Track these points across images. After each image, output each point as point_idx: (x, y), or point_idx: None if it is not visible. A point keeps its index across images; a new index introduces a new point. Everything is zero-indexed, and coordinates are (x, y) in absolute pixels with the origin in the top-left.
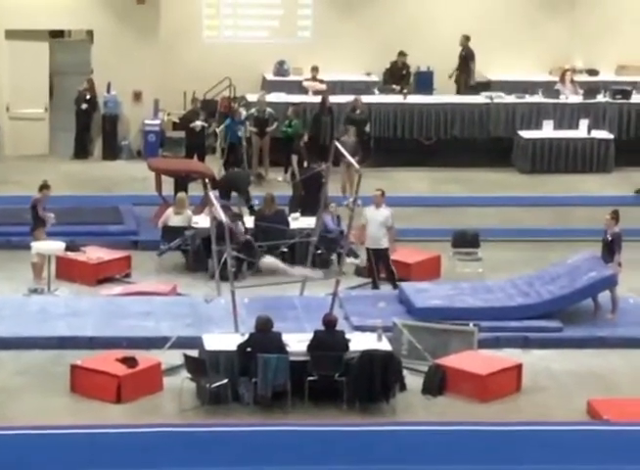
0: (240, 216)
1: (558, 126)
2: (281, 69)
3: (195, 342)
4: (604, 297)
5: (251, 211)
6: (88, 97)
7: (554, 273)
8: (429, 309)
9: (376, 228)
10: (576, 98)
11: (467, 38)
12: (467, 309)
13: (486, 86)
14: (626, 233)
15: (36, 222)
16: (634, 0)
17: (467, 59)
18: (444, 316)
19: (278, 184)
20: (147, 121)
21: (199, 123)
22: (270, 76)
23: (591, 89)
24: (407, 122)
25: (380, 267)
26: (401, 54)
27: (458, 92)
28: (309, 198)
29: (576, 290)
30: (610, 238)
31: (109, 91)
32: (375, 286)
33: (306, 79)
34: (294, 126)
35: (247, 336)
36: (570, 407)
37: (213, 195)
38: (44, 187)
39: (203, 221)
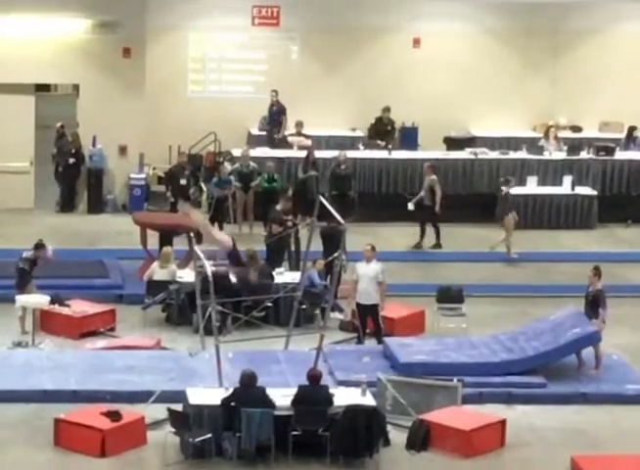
0: (226, 272)
1: (542, 182)
2: (266, 124)
3: (179, 396)
4: (587, 353)
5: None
6: (73, 151)
7: (537, 329)
8: (413, 364)
9: (367, 283)
10: (560, 154)
11: (276, 92)
12: (451, 365)
13: (471, 142)
14: (609, 289)
15: (28, 278)
16: (615, 57)
17: (278, 113)
18: (428, 371)
19: (259, 239)
20: (132, 175)
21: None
22: (255, 131)
23: (575, 145)
24: (392, 178)
25: (368, 322)
26: (386, 110)
27: (269, 145)
28: (328, 254)
29: (560, 346)
30: (592, 295)
31: (94, 145)
32: (359, 341)
33: (291, 134)
34: (277, 181)
35: (231, 390)
36: (553, 463)
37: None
38: (40, 246)
39: (187, 276)
